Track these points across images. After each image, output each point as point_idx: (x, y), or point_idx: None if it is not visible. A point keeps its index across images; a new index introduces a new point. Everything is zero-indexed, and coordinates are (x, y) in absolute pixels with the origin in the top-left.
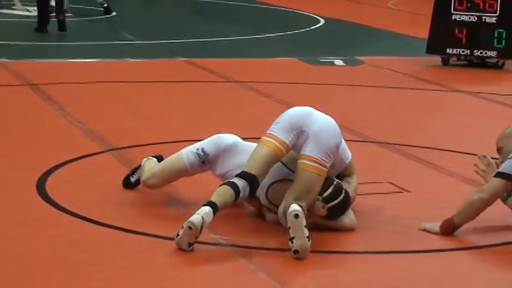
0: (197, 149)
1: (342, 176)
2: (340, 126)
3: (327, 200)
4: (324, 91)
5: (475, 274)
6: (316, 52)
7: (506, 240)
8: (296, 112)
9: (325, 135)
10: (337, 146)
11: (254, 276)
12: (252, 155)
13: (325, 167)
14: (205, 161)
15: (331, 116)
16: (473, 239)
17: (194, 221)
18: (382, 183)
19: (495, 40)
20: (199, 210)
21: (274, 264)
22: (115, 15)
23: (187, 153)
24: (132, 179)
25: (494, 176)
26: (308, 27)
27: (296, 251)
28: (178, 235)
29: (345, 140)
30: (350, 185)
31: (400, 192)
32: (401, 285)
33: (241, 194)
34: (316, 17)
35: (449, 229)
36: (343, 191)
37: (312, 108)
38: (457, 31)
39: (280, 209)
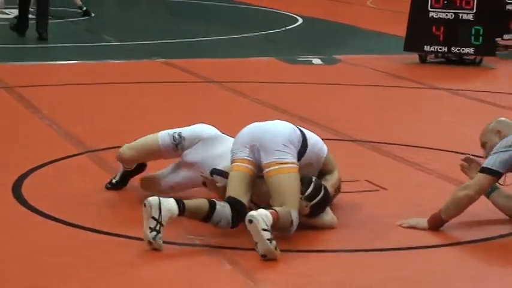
0: (174, 132)
1: (323, 173)
2: (317, 125)
3: (309, 198)
4: (302, 90)
5: (453, 271)
6: (294, 51)
7: (486, 236)
8: (241, 132)
9: (268, 138)
10: (287, 139)
11: (229, 276)
12: (227, 185)
13: (284, 163)
14: (178, 145)
15: (314, 113)
16: (453, 234)
17: (149, 198)
18: (359, 181)
19: (472, 37)
20: None
21: (250, 264)
22: (93, 16)
23: (163, 134)
24: (114, 181)
25: (479, 172)
26: (286, 27)
27: (263, 255)
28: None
29: (322, 139)
30: (328, 182)
31: (377, 190)
32: (377, 283)
33: (216, 211)
34: (294, 16)
35: (437, 224)
36: (323, 188)
37: (255, 123)
38: (434, 28)
39: None
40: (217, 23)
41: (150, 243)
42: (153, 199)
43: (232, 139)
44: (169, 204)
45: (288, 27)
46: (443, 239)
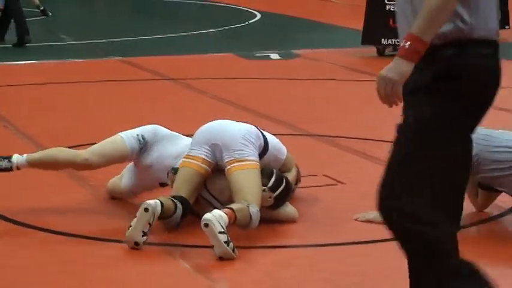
0: (137, 135)
1: (282, 172)
2: (276, 120)
3: (272, 189)
4: (259, 85)
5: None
6: (252, 47)
7: None
8: (199, 132)
9: (228, 136)
10: (244, 138)
11: (187, 275)
12: (177, 180)
13: (243, 160)
14: (142, 149)
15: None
16: None
17: (150, 202)
18: (317, 176)
19: None
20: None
21: (207, 262)
22: (51, 15)
23: (128, 138)
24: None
25: None
26: (244, 22)
27: (221, 257)
28: (130, 226)
29: (281, 135)
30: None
31: (335, 184)
32: (334, 277)
33: (176, 213)
34: (252, 11)
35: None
36: (284, 178)
37: (212, 122)
38: (391, 21)
39: None
40: (176, 20)
41: (137, 244)
42: (155, 205)
43: (187, 138)
44: (159, 208)
45: (247, 23)
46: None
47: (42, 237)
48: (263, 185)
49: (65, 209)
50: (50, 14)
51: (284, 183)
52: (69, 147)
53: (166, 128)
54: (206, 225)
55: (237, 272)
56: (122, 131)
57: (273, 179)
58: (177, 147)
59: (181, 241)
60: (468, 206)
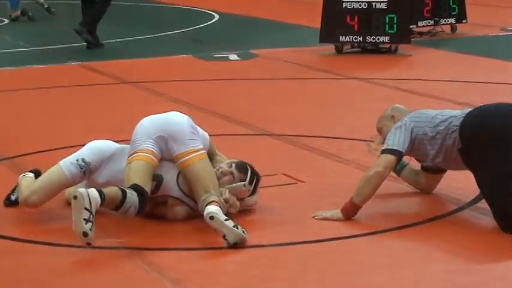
0: (77, 160)
1: (210, 156)
2: (235, 121)
3: (250, 182)
4: (219, 86)
5: (369, 260)
6: (211, 48)
7: (400, 224)
8: (142, 126)
9: (176, 128)
10: (192, 127)
11: (147, 277)
12: (127, 175)
13: (198, 150)
14: (85, 172)
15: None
16: (369, 224)
17: (80, 190)
18: (276, 175)
19: (387, 26)
20: None
21: (167, 264)
22: (6, 23)
23: (67, 165)
24: (13, 197)
25: (381, 153)
26: (203, 24)
27: (235, 243)
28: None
29: (240, 135)
30: (224, 159)
31: (295, 183)
32: (295, 275)
33: (127, 198)
34: (211, 12)
35: (351, 212)
36: (251, 167)
37: (152, 115)
38: (348, 18)
39: (200, 209)
40: (134, 24)
41: (85, 234)
42: (82, 190)
43: None
44: (94, 194)
45: (205, 24)
46: (360, 229)
47: (5, 244)
48: (241, 181)
49: (25, 216)
50: (7, 21)
51: (255, 173)
52: (25, 154)
53: (125, 134)
54: (212, 217)
55: (199, 272)
56: (78, 141)
57: (249, 174)
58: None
59: (142, 244)
60: (426, 201)
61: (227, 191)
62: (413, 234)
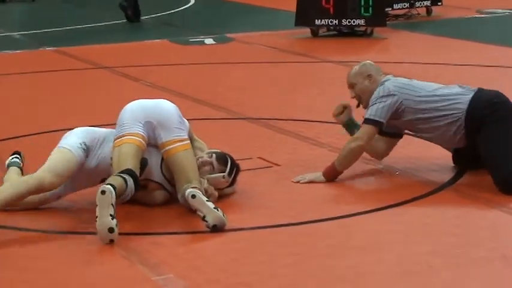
0: (80, 144)
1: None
2: (211, 105)
3: (229, 173)
4: (194, 71)
5: (347, 242)
6: (187, 32)
7: (379, 206)
8: (130, 110)
9: (165, 115)
10: (180, 116)
11: (125, 263)
12: (117, 158)
13: (184, 140)
14: (87, 155)
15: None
16: (346, 207)
17: (107, 186)
18: (252, 159)
19: (362, 8)
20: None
21: (144, 249)
22: None
23: (73, 147)
24: None
25: (363, 123)
26: (178, 8)
27: (214, 226)
28: (97, 217)
29: (215, 119)
30: (204, 146)
31: (271, 166)
32: (272, 259)
33: (128, 184)
34: None
35: (333, 176)
36: (231, 158)
37: (141, 100)
38: (324, 2)
39: (180, 199)
40: (110, 9)
41: (111, 230)
42: (110, 186)
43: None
44: (114, 188)
45: (181, 8)
46: (337, 212)
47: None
48: (221, 172)
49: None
50: None
51: (235, 165)
52: (2, 140)
53: (103, 118)
54: (194, 196)
55: (174, 257)
56: (61, 137)
57: (229, 165)
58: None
59: (122, 229)
60: (404, 183)
61: (206, 181)
62: (390, 215)
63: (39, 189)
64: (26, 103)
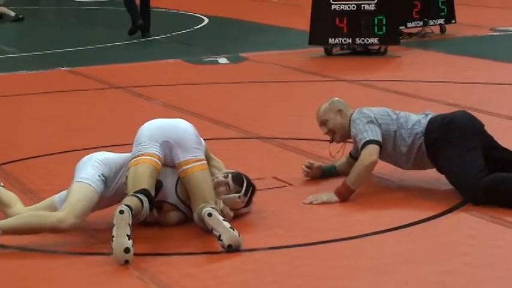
0: (99, 176)
1: (207, 161)
2: (225, 124)
3: (245, 194)
4: (208, 90)
5: (359, 263)
6: (200, 52)
7: (388, 227)
8: (148, 129)
9: (183, 135)
10: (197, 136)
11: (139, 283)
12: (133, 177)
13: (201, 160)
14: (105, 185)
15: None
16: (357, 227)
17: (125, 206)
18: (266, 179)
19: (375, 27)
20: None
21: (157, 270)
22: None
23: (94, 181)
24: None
25: (366, 145)
26: (192, 27)
27: (229, 246)
28: (113, 236)
29: (230, 138)
30: (221, 165)
31: (285, 186)
32: (284, 279)
33: (144, 205)
34: (200, 16)
35: (347, 195)
36: (247, 178)
37: (159, 119)
38: (337, 21)
39: (196, 218)
40: (123, 28)
41: (127, 251)
42: (127, 206)
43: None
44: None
45: (195, 28)
46: (348, 233)
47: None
48: (237, 192)
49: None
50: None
51: (251, 185)
52: (18, 160)
53: (117, 138)
54: (210, 214)
55: (187, 278)
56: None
57: (244, 185)
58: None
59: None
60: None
61: (221, 201)
62: (404, 235)
63: (55, 230)
64: (40, 123)
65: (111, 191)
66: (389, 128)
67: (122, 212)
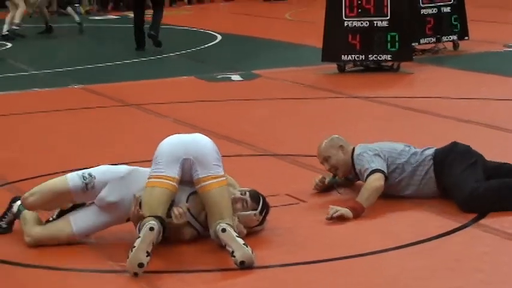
0: (83, 173)
1: None
2: (237, 141)
3: (261, 212)
4: (221, 107)
5: (372, 280)
6: (213, 69)
7: (401, 243)
8: (169, 145)
9: (204, 151)
10: (217, 152)
11: None
12: (148, 199)
13: (220, 176)
14: (88, 185)
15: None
16: (368, 245)
17: (155, 223)
18: (279, 196)
19: (388, 44)
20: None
21: (169, 286)
22: (10, 47)
23: (72, 175)
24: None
25: (373, 173)
26: (205, 44)
27: (242, 262)
28: (134, 247)
29: (242, 156)
30: (234, 182)
31: (298, 203)
32: None
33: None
34: (213, 33)
35: (359, 214)
36: (263, 197)
37: (178, 135)
38: (350, 37)
39: (212, 234)
40: (129, 44)
41: (141, 265)
42: (157, 224)
43: (144, 169)
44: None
45: (208, 45)
46: (360, 249)
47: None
48: (253, 209)
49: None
50: (10, 45)
51: (266, 205)
52: (31, 178)
53: (130, 156)
54: (224, 230)
55: None
56: (85, 162)
57: (260, 203)
58: (143, 181)
59: (148, 268)
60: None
61: (236, 218)
62: (417, 252)
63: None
64: (53, 140)
65: (113, 197)
66: (396, 161)
67: (152, 229)
